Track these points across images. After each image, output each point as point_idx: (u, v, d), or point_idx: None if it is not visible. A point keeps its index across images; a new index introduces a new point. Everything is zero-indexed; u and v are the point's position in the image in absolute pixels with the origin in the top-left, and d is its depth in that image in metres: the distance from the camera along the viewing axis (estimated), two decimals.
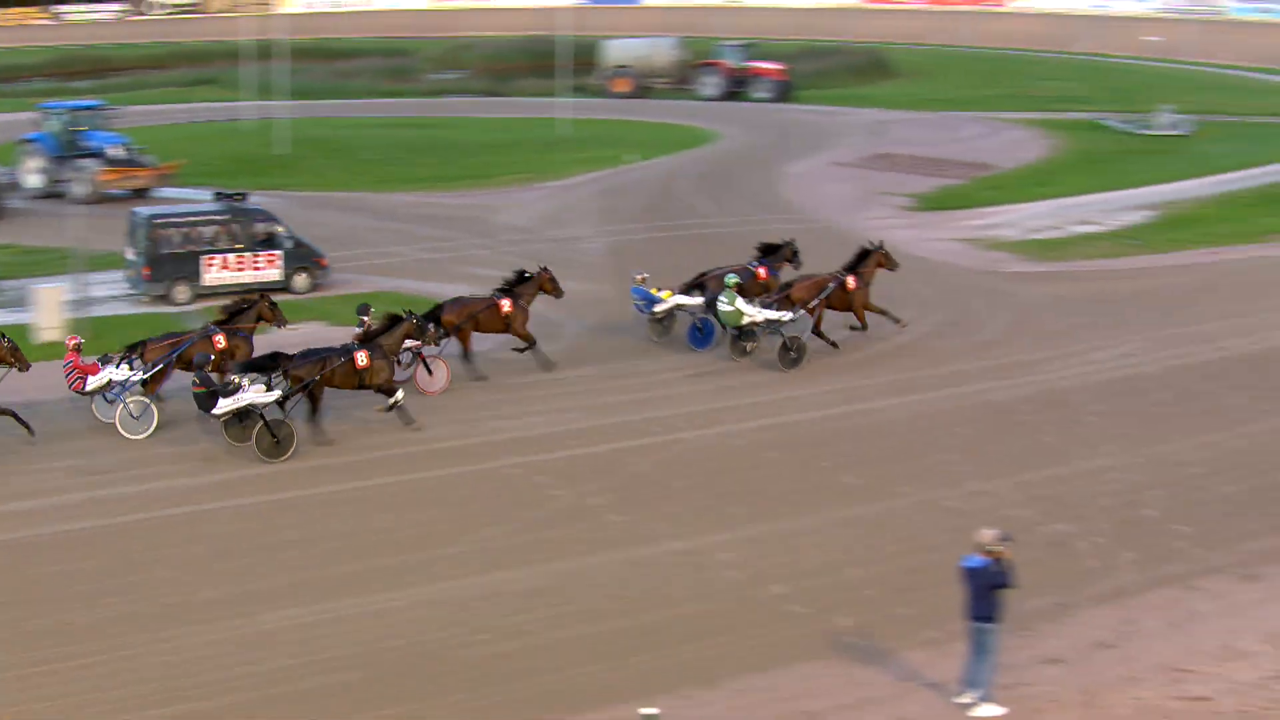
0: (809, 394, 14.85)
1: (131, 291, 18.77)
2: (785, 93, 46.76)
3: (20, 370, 12.41)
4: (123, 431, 12.64)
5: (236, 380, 11.80)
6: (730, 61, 45.05)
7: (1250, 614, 9.73)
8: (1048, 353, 16.93)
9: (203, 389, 12.02)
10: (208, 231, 19.05)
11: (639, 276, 16.46)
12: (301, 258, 19.47)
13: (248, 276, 18.99)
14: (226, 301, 14.59)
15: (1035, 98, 50.76)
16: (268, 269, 19.20)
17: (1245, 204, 28.17)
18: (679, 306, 15.92)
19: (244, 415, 11.70)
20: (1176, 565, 10.59)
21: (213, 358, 12.55)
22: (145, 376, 12.98)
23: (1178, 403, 14.56)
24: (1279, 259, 21.28)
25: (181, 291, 18.72)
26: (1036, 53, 72.96)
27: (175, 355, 13.37)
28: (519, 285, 14.92)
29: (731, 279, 15.27)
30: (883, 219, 24.75)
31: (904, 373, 15.67)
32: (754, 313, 15.10)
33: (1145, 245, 23.21)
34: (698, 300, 15.96)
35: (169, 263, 18.76)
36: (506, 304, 14.53)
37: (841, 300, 15.37)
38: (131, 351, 13.26)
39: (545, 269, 15.22)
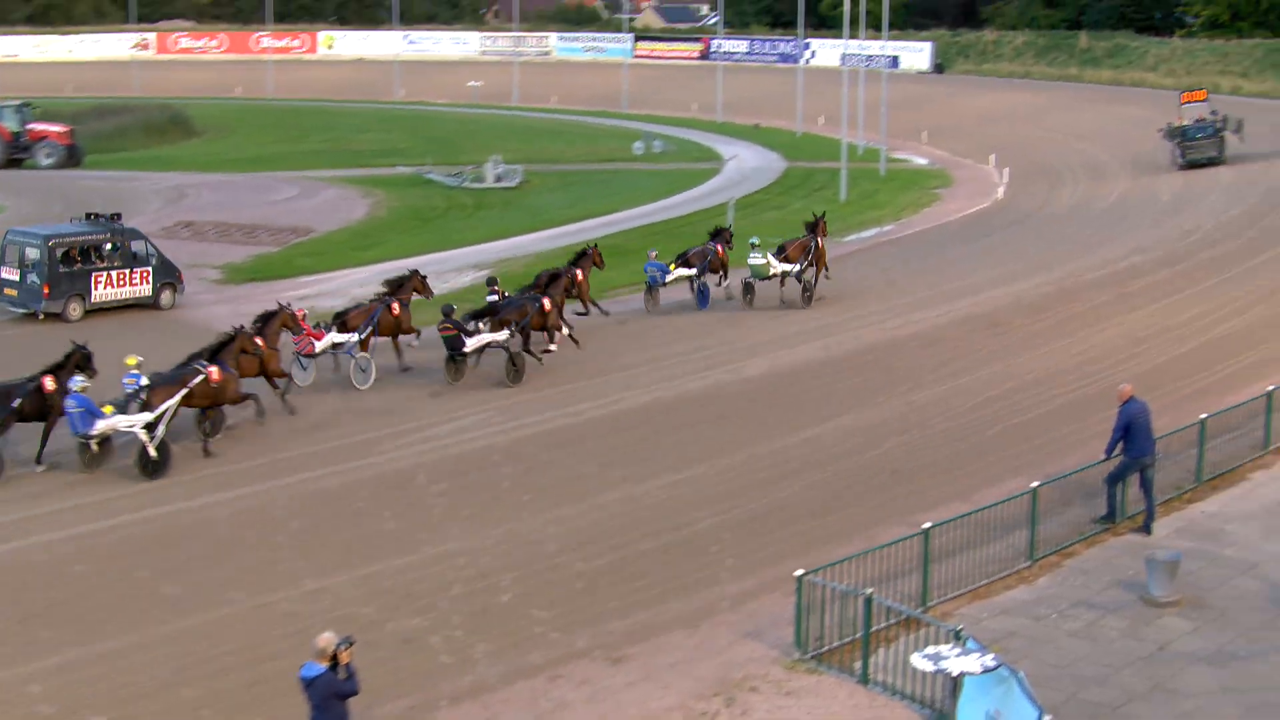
0: (109, 498, 18.36)
1: (16, 309, 29.40)
2: (73, 157, 55.02)
3: None
4: (354, 382, 23.78)
5: (477, 325, 24.18)
6: (7, 125, 54.42)
7: (620, 697, 12.83)
8: (382, 431, 21.22)
9: (452, 332, 23.76)
10: (95, 250, 29.87)
11: (653, 253, 30.89)
12: (167, 274, 30.88)
13: (126, 293, 30.20)
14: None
15: (353, 152, 63.57)
16: (141, 285, 30.38)
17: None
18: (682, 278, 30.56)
19: (461, 356, 24.01)
20: (538, 653, 13.75)
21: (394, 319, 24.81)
22: (361, 338, 24.01)
23: (529, 475, 19.09)
24: (623, 315, 29.14)
25: (75, 308, 29.30)
26: (352, 103, 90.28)
27: (374, 320, 24.43)
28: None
29: (755, 239, 30.45)
30: (191, 294, 31.22)
31: (225, 465, 19.64)
32: (779, 267, 30.27)
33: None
34: (693, 271, 30.57)
35: (64, 280, 29.32)
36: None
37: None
38: (340, 319, 24.49)
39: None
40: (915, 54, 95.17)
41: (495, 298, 25.40)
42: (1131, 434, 16.79)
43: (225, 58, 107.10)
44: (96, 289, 29.58)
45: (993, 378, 24.01)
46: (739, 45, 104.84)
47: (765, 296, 30.68)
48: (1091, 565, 15.86)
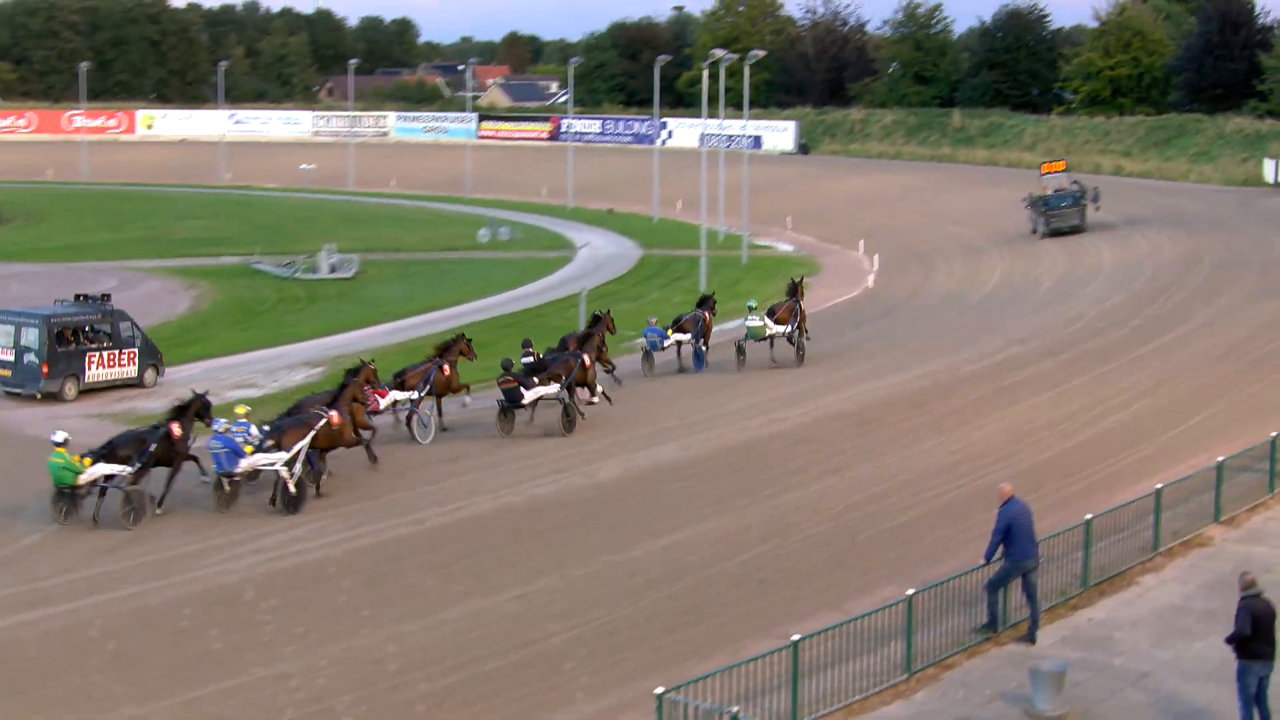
0: None
1: (14, 389, 32.68)
2: None
3: None
4: (416, 436, 28.17)
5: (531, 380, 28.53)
6: None
7: None
8: (208, 542, 21.21)
9: (513, 384, 28.22)
10: (89, 331, 33.58)
11: (652, 320, 36.14)
12: (151, 355, 34.60)
13: (115, 374, 33.64)
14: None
15: (176, 240, 63.90)
16: (128, 366, 33.94)
17: (427, 354, 38.25)
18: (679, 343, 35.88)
19: (519, 408, 28.40)
20: None
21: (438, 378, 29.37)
22: (420, 396, 28.73)
23: (367, 588, 19.25)
24: (471, 413, 29.64)
25: (70, 388, 32.73)
26: (174, 187, 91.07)
27: (430, 380, 29.07)
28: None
29: (753, 302, 36.38)
30: None
31: (23, 584, 19.66)
32: (775, 329, 35.45)
33: None
34: (688, 336, 35.77)
35: (62, 360, 32.70)
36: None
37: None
38: (399, 378, 28.96)
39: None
40: (779, 134, 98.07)
41: (530, 359, 30.32)
42: (1013, 536, 17.11)
43: (35, 138, 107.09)
44: (90, 369, 33.22)
45: (864, 478, 24.50)
46: (591, 125, 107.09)
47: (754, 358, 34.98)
48: (973, 677, 16.16)
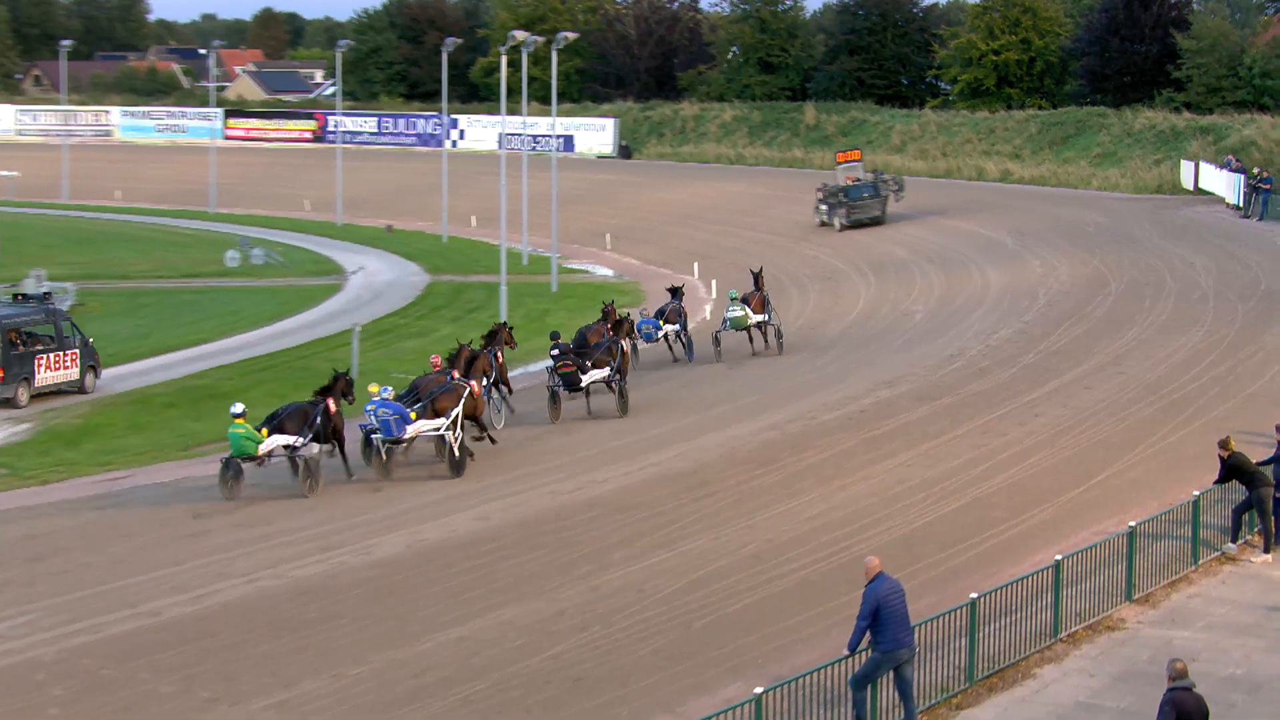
0: None
1: None
2: None
3: None
4: (494, 422, 34.81)
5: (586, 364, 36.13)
6: None
7: None
8: None
9: (571, 369, 35.40)
10: (37, 332, 39.17)
11: (644, 309, 46.15)
12: (90, 357, 39.99)
13: (60, 377, 39.12)
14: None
15: None
16: (72, 368, 39.37)
17: (161, 405, 39.20)
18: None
19: (576, 391, 35.98)
20: None
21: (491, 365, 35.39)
22: (489, 383, 34.88)
23: (87, 696, 19.00)
24: (210, 480, 29.43)
25: (23, 393, 38.19)
26: None
27: (496, 365, 35.75)
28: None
29: (734, 292, 43.57)
30: None
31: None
32: (755, 317, 43.10)
33: (14, 474, 31.69)
34: (676, 327, 43.50)
35: (15, 364, 38.03)
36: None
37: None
38: (463, 367, 33.86)
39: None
40: (594, 134, 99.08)
41: (557, 351, 36.14)
42: (882, 621, 17.13)
43: None
44: (39, 372, 37.70)
45: (702, 553, 24.49)
46: (365, 123, 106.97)
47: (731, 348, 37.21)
48: None
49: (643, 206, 78.98)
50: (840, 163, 72.49)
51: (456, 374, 32.76)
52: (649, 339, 42.57)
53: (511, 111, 68.19)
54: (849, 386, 37.41)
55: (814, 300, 53.76)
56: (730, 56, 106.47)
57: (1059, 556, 20.81)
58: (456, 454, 30.32)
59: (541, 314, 52.11)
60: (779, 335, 43.88)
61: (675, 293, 44.44)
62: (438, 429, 30.46)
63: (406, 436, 30.10)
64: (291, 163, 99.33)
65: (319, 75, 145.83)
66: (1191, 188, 69.71)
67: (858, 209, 67.84)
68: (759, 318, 43.74)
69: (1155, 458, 29.54)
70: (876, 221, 67.36)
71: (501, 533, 25.94)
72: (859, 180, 69.83)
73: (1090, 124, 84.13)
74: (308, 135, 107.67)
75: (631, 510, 26.98)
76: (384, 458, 30.23)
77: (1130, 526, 22.13)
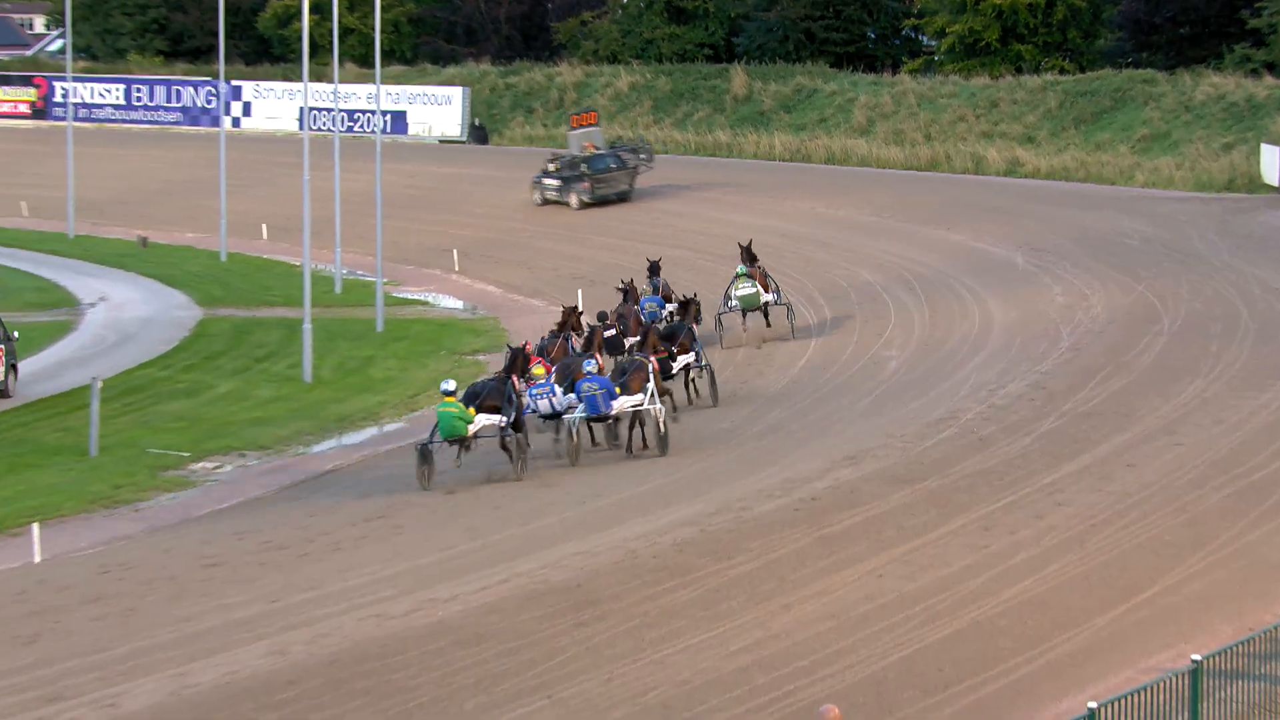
0: None
1: None
2: None
3: None
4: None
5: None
6: None
7: None
8: None
9: (665, 354, 46.09)
10: None
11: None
12: (11, 355, 49.46)
13: None
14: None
15: None
16: None
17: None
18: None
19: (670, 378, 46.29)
20: None
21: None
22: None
23: None
24: None
25: None
26: None
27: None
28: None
29: (742, 269, 54.25)
30: None
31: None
32: (767, 295, 53.99)
33: None
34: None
35: None
36: None
37: None
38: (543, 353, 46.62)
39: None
40: (437, 108, 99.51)
41: (612, 332, 47.05)
42: None
43: None
44: None
45: (588, 701, 24.49)
46: (108, 92, 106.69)
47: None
48: None
49: (505, 212, 79.13)
50: (575, 128, 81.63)
51: (599, 357, 42.54)
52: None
53: (318, 76, 67.77)
54: (797, 463, 37.60)
55: (748, 339, 53.85)
56: (626, 3, 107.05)
57: (1093, 704, 20.79)
58: (662, 429, 40.13)
59: (361, 365, 52.37)
60: (790, 311, 53.31)
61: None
62: (639, 404, 40.02)
63: (613, 412, 39.87)
64: (3, 148, 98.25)
65: (40, 24, 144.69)
66: (1276, 183, 70.44)
67: (602, 183, 77.78)
68: (769, 296, 52.67)
69: (1226, 564, 29.72)
70: (623, 198, 77.25)
71: (304, 674, 25.73)
72: (592, 149, 77.67)
73: (1133, 94, 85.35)
74: (24, 109, 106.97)
75: (489, 641, 26.84)
76: (574, 438, 39.76)
77: (1194, 661, 22.23)
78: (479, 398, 38.61)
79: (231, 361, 54.24)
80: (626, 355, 45.54)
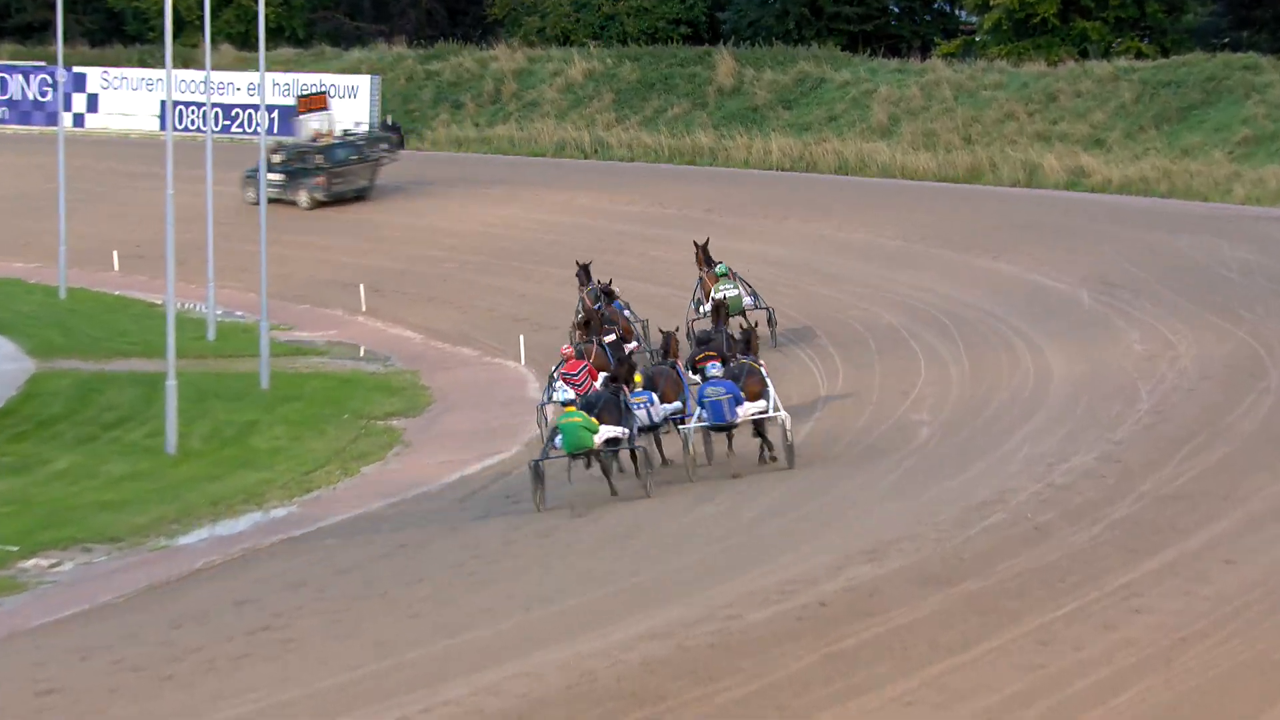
0: None
1: None
2: None
3: None
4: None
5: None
6: None
7: None
8: None
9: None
10: None
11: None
12: None
13: None
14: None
15: None
16: None
17: None
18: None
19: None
20: None
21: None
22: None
23: None
24: None
25: None
26: None
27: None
28: None
29: (722, 268, 61.55)
30: None
31: None
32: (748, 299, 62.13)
33: None
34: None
35: None
36: None
37: None
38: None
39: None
40: (337, 103, 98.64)
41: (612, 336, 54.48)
42: None
43: None
44: None
45: None
46: None
47: None
48: None
49: (426, 236, 79.20)
50: (302, 112, 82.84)
51: (680, 363, 48.91)
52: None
53: (185, 62, 67.82)
54: (801, 558, 37.60)
55: None
56: None
57: None
58: (789, 437, 44.94)
59: (241, 432, 52.43)
60: (773, 321, 59.34)
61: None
62: (762, 411, 45.16)
63: (739, 420, 44.80)
64: None
65: None
66: None
67: (340, 178, 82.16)
68: (749, 300, 58.98)
69: None
70: (361, 196, 79.40)
71: None
72: (322, 137, 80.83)
73: (1230, 85, 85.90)
74: None
75: None
76: (692, 451, 44.84)
77: None
78: (594, 408, 43.46)
79: (73, 429, 53.89)
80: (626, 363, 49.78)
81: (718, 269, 59.93)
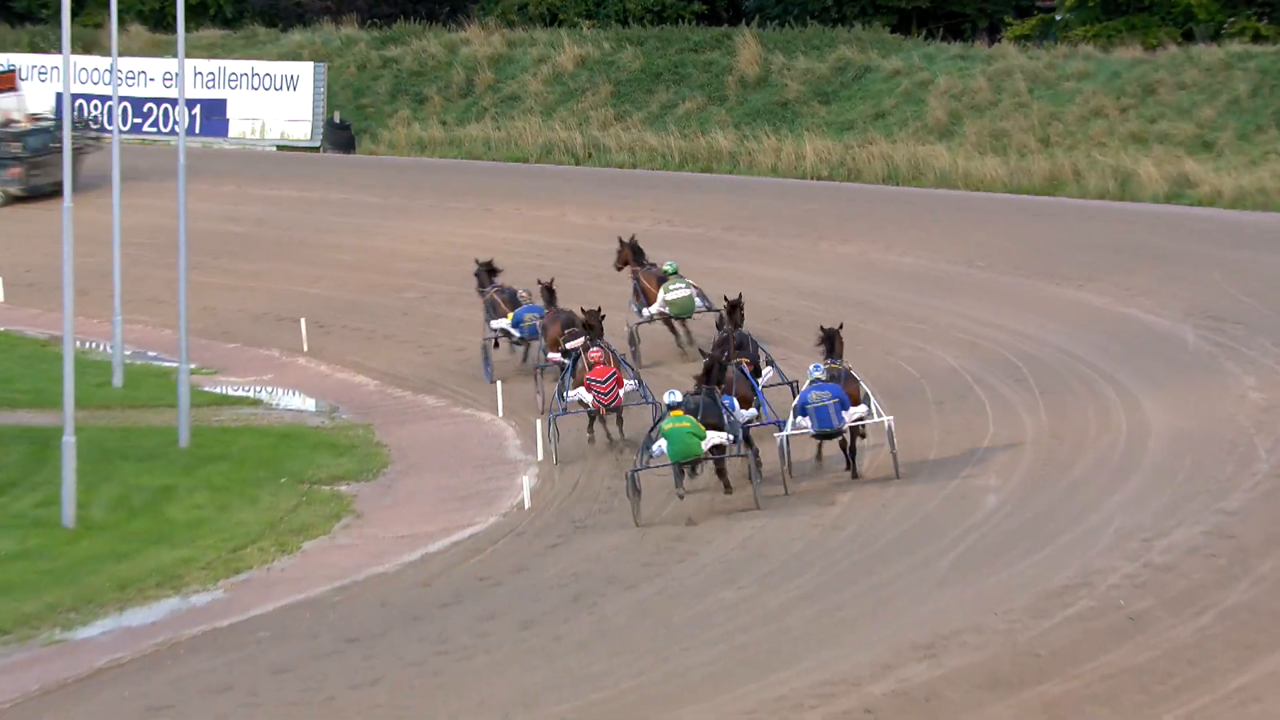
0: None
1: None
2: None
3: None
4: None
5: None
6: None
7: None
8: None
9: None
10: None
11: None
12: None
13: None
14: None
15: None
16: None
17: None
18: None
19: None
20: None
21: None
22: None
23: None
24: None
25: None
26: None
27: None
28: None
29: (671, 266, 67.47)
30: None
31: None
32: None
33: None
34: None
35: None
36: None
37: None
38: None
39: None
40: (274, 97, 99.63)
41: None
42: None
43: None
44: None
45: None
46: None
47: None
48: None
49: (381, 260, 79.28)
50: None
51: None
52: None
53: (87, 46, 67.99)
54: (841, 654, 37.83)
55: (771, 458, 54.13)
56: None
57: None
58: (895, 447, 49.87)
59: (154, 500, 52.23)
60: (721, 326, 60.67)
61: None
62: (862, 418, 50.22)
63: (846, 425, 49.43)
64: None
65: None
66: None
67: (40, 169, 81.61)
68: (701, 303, 63.88)
69: None
70: (58, 190, 72.67)
71: None
72: (14, 122, 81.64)
73: None
74: None
75: None
76: (787, 460, 49.77)
77: None
78: (695, 414, 47.77)
79: None
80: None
81: (666, 266, 64.46)
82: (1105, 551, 42.94)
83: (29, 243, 76.26)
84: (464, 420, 61.28)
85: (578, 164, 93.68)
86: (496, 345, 65.48)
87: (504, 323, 65.58)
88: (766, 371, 56.45)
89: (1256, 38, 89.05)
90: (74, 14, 60.60)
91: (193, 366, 61.59)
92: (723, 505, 49.32)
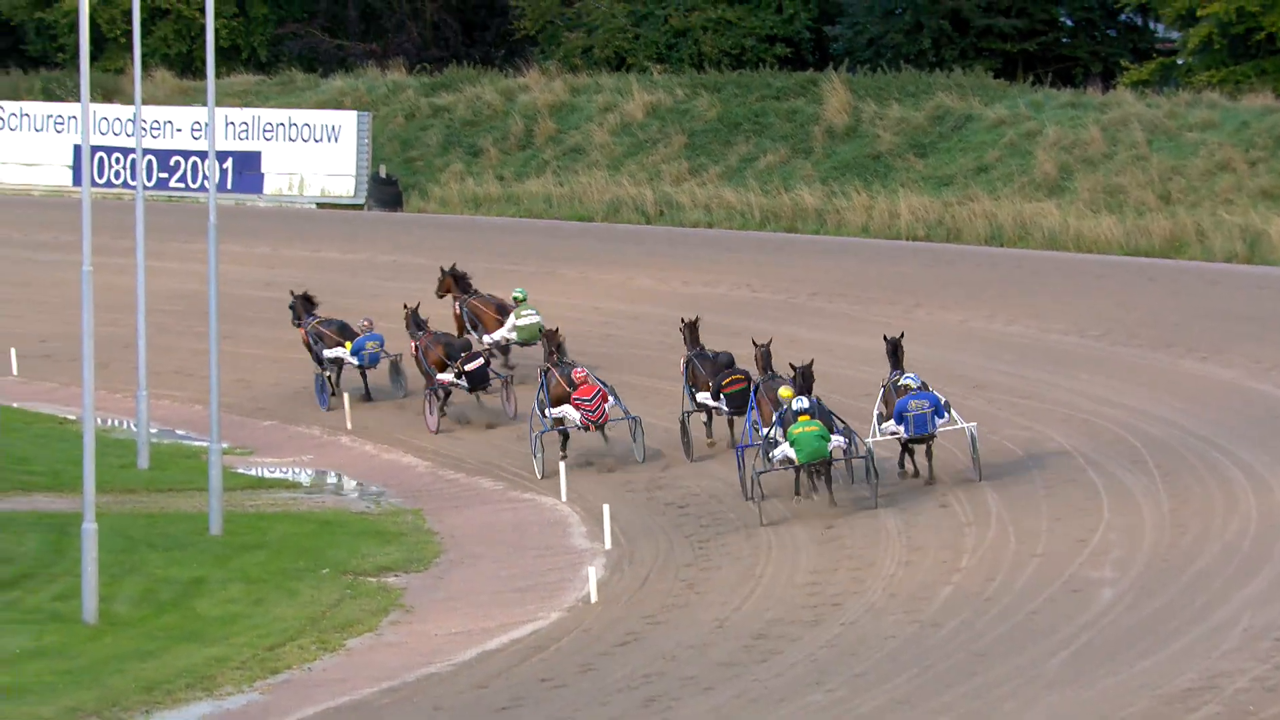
0: None
1: None
2: None
3: None
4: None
5: None
6: None
7: None
8: None
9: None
10: None
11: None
12: None
13: None
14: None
15: None
16: None
17: None
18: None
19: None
20: None
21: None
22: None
23: None
24: None
25: None
26: None
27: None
28: None
29: (520, 292, 78.20)
30: None
31: None
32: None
33: None
34: None
35: None
36: None
37: None
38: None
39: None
40: (313, 149, 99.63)
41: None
42: None
43: None
44: None
45: None
46: None
47: None
48: None
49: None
50: None
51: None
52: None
53: (108, 93, 68.43)
54: None
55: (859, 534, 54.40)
56: None
57: None
58: (977, 452, 57.38)
59: (183, 594, 52.44)
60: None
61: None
62: (953, 424, 57.05)
63: (938, 432, 56.43)
64: None
65: None
66: None
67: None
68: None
69: None
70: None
71: None
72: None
73: None
74: None
75: None
76: (875, 471, 55.94)
77: None
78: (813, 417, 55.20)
79: None
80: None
81: (515, 293, 73.49)
82: (1232, 652, 43.05)
83: (44, 310, 76.63)
84: (523, 505, 61.60)
85: (648, 223, 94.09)
86: (330, 377, 71.53)
87: (341, 352, 71.43)
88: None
89: None
90: (93, 58, 61.08)
91: (225, 446, 61.96)
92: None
